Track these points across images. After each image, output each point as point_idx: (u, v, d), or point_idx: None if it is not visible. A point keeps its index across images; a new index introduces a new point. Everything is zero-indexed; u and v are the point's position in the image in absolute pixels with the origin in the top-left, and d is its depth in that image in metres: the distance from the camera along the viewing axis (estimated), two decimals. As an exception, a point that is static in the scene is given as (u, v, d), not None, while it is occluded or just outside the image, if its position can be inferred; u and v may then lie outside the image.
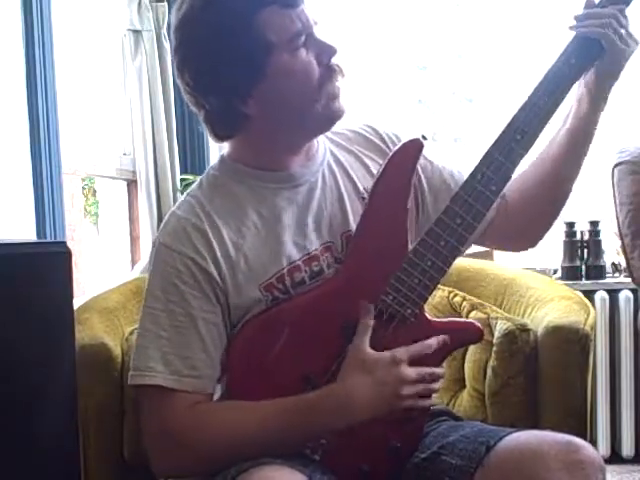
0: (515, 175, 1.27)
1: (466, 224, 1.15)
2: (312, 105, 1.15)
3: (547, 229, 1.34)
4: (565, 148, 1.25)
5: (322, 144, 1.27)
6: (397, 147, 1.22)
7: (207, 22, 1.12)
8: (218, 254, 1.15)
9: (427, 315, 1.19)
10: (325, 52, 1.15)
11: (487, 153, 1.17)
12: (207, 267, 1.14)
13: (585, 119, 1.22)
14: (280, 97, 1.14)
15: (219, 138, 1.22)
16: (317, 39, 1.15)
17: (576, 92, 1.23)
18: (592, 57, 1.19)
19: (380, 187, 1.18)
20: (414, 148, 1.19)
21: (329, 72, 1.15)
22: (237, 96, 1.14)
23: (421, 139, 1.20)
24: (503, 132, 1.18)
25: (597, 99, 1.21)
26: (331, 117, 1.17)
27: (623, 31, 1.17)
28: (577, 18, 1.20)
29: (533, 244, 1.38)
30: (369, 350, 1.11)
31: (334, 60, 1.16)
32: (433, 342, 1.15)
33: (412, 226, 1.25)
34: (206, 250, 1.15)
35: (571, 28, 1.20)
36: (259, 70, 1.12)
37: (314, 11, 1.15)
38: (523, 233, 1.35)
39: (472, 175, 1.17)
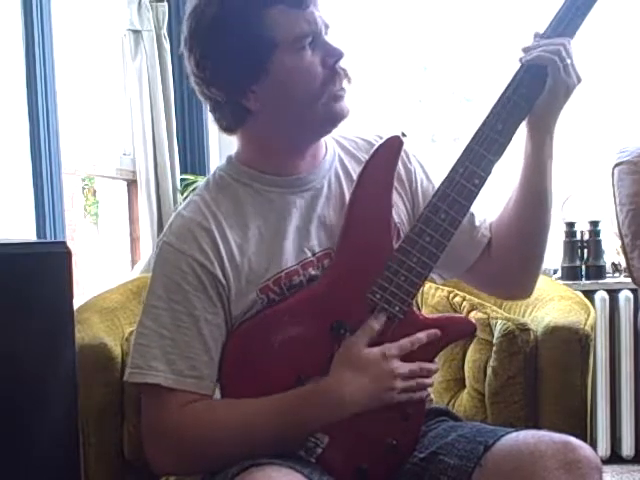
0: (494, 218, 1.27)
1: (450, 218, 1.15)
2: (314, 103, 1.14)
3: (530, 275, 1.29)
4: (519, 192, 1.22)
5: (331, 149, 1.26)
6: (377, 144, 1.21)
7: (212, 15, 1.12)
8: (224, 256, 1.15)
9: (416, 312, 1.19)
10: (331, 55, 1.15)
11: (467, 147, 1.16)
12: (213, 269, 1.14)
13: (533, 157, 1.20)
14: (281, 95, 1.15)
15: (225, 130, 1.22)
16: (325, 42, 1.15)
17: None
18: (541, 86, 1.15)
19: (363, 183, 1.18)
20: (395, 143, 1.19)
21: (332, 74, 1.15)
22: (238, 90, 1.15)
23: (401, 136, 1.20)
24: (482, 125, 1.16)
25: (541, 135, 1.18)
26: (333, 117, 1.17)
27: (569, 61, 1.15)
28: (525, 49, 1.17)
29: (522, 293, 1.34)
30: (363, 348, 1.12)
31: (340, 64, 1.15)
32: (423, 336, 1.15)
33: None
34: (212, 250, 1.15)
35: (520, 60, 1.16)
36: (261, 66, 1.13)
37: (326, 14, 1.15)
38: (507, 279, 1.30)
39: (454, 169, 1.16)
